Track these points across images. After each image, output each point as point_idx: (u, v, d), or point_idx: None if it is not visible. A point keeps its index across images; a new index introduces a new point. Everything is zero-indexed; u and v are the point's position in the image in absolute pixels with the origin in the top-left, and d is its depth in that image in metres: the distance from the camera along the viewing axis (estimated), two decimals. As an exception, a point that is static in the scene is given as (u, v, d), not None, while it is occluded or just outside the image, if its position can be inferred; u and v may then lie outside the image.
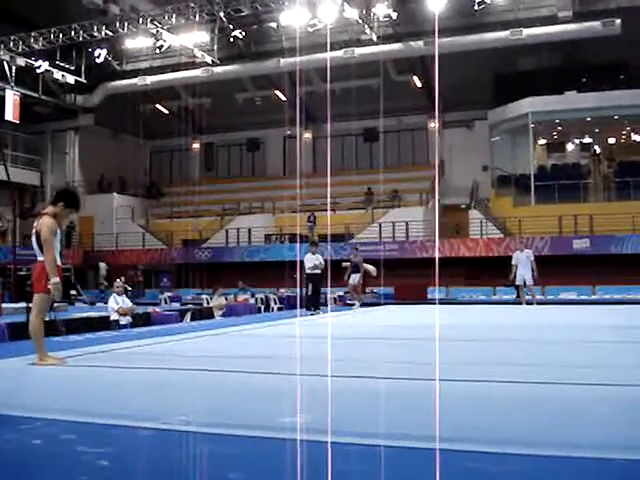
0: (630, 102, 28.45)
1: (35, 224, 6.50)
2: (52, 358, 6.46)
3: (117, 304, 13.53)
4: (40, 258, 6.42)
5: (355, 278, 18.80)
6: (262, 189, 35.80)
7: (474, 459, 3.12)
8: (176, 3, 27.33)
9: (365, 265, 20.22)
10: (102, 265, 31.27)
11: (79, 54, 31.07)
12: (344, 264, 20.11)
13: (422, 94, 33.07)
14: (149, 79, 32.54)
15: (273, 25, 29.39)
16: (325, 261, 16.42)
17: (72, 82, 31.91)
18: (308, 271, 15.98)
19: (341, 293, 22.60)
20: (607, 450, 3.21)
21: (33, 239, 6.47)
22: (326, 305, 18.25)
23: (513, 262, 17.99)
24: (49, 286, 6.31)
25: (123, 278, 17.31)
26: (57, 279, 6.33)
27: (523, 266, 17.74)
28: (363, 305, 19.78)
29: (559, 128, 32.36)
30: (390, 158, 34.97)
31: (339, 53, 28.47)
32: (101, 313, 14.92)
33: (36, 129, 36.28)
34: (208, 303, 19.91)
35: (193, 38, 29.54)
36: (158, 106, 37.50)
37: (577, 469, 3.02)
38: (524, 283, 17.95)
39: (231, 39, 28.96)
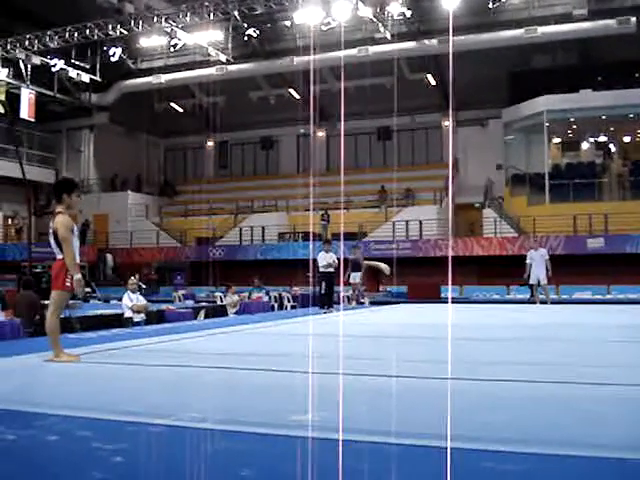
0: (645, 101, 28.32)
1: (51, 224, 6.56)
2: (67, 355, 6.51)
3: (131, 301, 13.60)
4: (59, 256, 6.48)
5: (356, 277, 18.63)
6: (276, 187, 35.87)
7: (486, 458, 3.12)
8: (191, 2, 27.42)
9: (379, 264, 20.17)
10: (109, 257, 31.48)
11: (94, 52, 31.23)
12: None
13: (436, 92, 33.04)
14: (163, 77, 32.69)
15: (287, 23, 29.45)
16: (338, 259, 16.42)
17: (87, 80, 32.07)
18: (321, 269, 16.00)
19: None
20: (622, 450, 3.21)
21: (51, 239, 6.53)
22: (339, 303, 18.23)
23: (527, 261, 17.92)
24: (67, 283, 6.39)
25: (137, 275, 17.38)
26: (79, 275, 6.41)
27: (537, 265, 17.68)
28: (375, 303, 19.74)
29: (574, 127, 32.22)
30: (404, 156, 34.94)
31: (353, 51, 28.48)
32: (115, 311, 15.00)
33: (51, 127, 36.55)
34: (222, 301, 19.97)
35: (207, 37, 29.63)
36: (172, 104, 37.64)
37: (592, 469, 3.01)
38: (538, 282, 17.88)
39: (245, 37, 29.04)
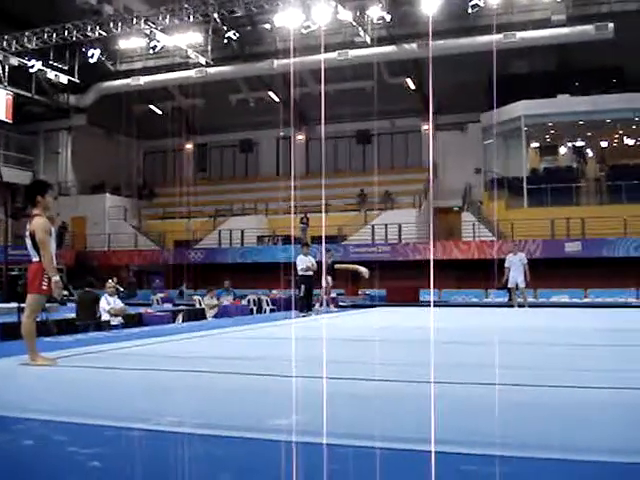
0: (622, 106, 28.56)
1: (28, 226, 6.48)
2: (43, 358, 6.44)
3: (109, 305, 13.51)
4: (35, 259, 6.41)
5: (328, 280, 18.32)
6: (255, 190, 35.77)
7: (469, 462, 3.12)
8: (170, 4, 27.31)
9: (358, 267, 20.15)
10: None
11: (72, 54, 31.02)
12: (337, 266, 19.99)
13: (415, 96, 33.11)
14: (142, 79, 32.53)
15: (267, 26, 29.43)
16: (318, 263, 16.41)
17: (65, 82, 31.84)
18: (300, 272, 15.97)
19: (334, 295, 22.52)
20: (604, 453, 3.22)
21: (28, 241, 6.45)
22: (321, 306, 18.19)
23: (506, 265, 17.99)
24: (44, 286, 6.32)
25: (115, 279, 17.26)
26: (57, 277, 6.35)
27: (516, 269, 17.77)
28: (355, 307, 19.67)
29: (552, 131, 32.44)
30: (383, 160, 34.93)
31: (333, 55, 28.51)
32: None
33: (29, 129, 36.22)
34: (200, 304, 19.88)
35: (187, 39, 29.55)
36: (151, 106, 37.44)
37: (574, 472, 3.02)
38: (516, 286, 17.97)
39: (225, 40, 28.92)
